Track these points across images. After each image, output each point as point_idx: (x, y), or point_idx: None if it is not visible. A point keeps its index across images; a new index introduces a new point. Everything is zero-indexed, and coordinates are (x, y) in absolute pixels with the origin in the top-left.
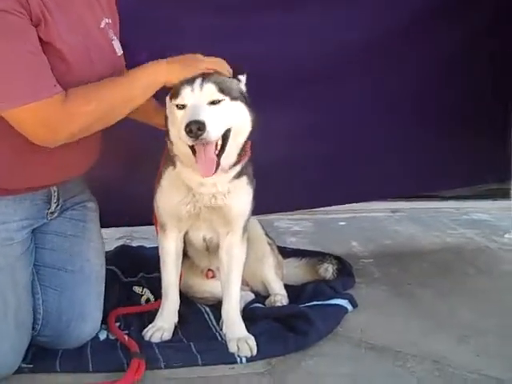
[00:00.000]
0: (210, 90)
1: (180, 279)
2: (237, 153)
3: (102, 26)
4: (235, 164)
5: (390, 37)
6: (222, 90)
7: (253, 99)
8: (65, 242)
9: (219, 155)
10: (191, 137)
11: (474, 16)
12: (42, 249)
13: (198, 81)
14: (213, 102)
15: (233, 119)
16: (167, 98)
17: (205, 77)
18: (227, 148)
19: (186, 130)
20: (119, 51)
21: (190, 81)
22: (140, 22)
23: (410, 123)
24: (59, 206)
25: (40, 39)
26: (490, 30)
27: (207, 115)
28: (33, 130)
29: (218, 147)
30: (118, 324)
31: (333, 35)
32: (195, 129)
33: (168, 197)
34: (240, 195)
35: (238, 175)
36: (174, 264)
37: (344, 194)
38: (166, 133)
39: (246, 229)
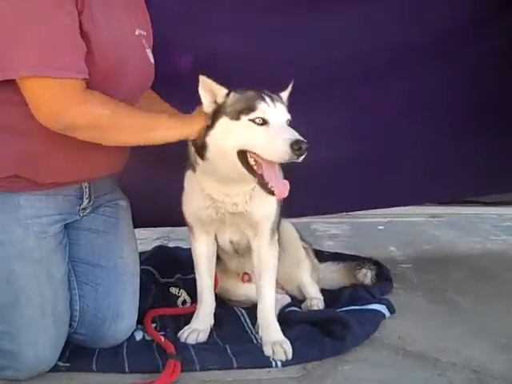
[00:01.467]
0: (283, 110)
1: (216, 282)
2: None
3: (137, 33)
4: None
5: (418, 39)
6: (288, 111)
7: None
8: (98, 238)
9: None
10: (298, 154)
11: (503, 22)
12: (76, 245)
13: (269, 99)
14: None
15: None
16: (217, 112)
17: (269, 95)
18: None
19: (293, 148)
20: (152, 60)
21: (260, 97)
22: (172, 24)
23: (452, 126)
24: (91, 203)
25: (80, 24)
26: None
27: None
28: (41, 103)
29: None
30: (154, 325)
31: (359, 39)
32: (305, 148)
33: (190, 201)
34: (262, 200)
35: None
36: (206, 267)
37: (382, 198)
38: (199, 145)
39: (274, 231)
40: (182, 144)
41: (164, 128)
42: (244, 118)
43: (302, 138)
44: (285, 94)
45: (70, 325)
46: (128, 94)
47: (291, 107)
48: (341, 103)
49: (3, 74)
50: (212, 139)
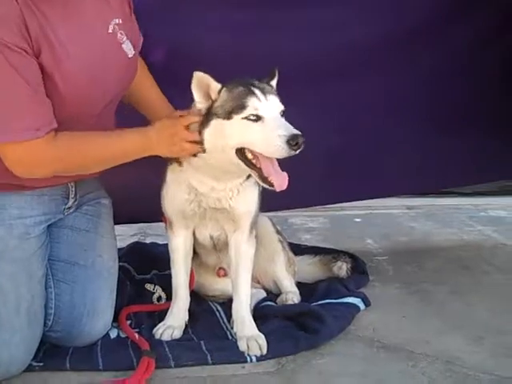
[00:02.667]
0: (276, 101)
1: (192, 278)
2: None
3: (111, 30)
4: None
5: (403, 35)
6: (281, 101)
7: None
8: (78, 236)
9: None
10: (294, 149)
11: (484, 15)
12: (56, 243)
13: (259, 92)
14: (281, 114)
15: None
16: (210, 114)
17: (259, 86)
18: None
19: (289, 143)
20: (131, 52)
21: (250, 91)
22: (159, 16)
23: (425, 119)
24: (76, 202)
25: (42, 67)
26: (500, 28)
27: None
28: (9, 164)
29: None
30: (129, 322)
31: (345, 33)
32: (301, 142)
33: (172, 194)
34: (245, 196)
35: (247, 177)
36: (182, 262)
37: (359, 191)
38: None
39: (253, 226)
40: None
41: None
42: (236, 117)
43: (297, 132)
44: (274, 82)
45: (45, 323)
46: (111, 95)
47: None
48: (315, 98)
49: None
50: (207, 138)
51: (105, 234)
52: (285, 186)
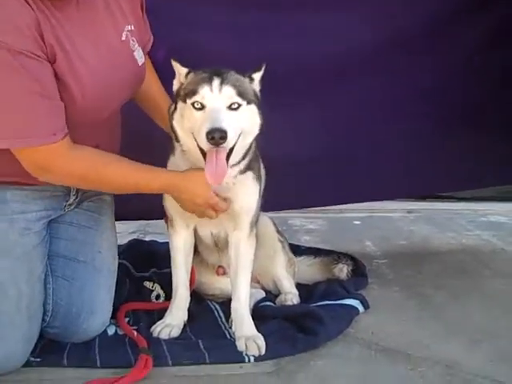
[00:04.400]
0: (229, 93)
1: (193, 278)
2: (242, 153)
3: (124, 38)
4: (239, 161)
5: (403, 39)
6: (240, 94)
7: (265, 97)
8: (78, 232)
9: (227, 159)
10: (212, 144)
11: (486, 19)
12: (55, 238)
13: (217, 81)
14: (231, 107)
15: (246, 123)
16: (176, 96)
17: (223, 76)
18: (234, 150)
19: (207, 137)
20: (140, 60)
21: (207, 79)
22: (161, 17)
23: (425, 123)
24: (77, 198)
25: (56, 75)
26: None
27: (228, 122)
28: (27, 167)
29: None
30: (127, 319)
31: (345, 36)
32: (218, 137)
33: None
34: (244, 190)
35: (243, 171)
36: (183, 260)
37: (358, 193)
38: (172, 128)
39: (253, 225)
40: (165, 135)
41: (144, 187)
42: (188, 102)
43: (216, 127)
44: (257, 75)
45: (43, 319)
46: (120, 101)
47: (271, 101)
48: (314, 101)
49: None
50: (174, 122)
51: (105, 231)
52: (219, 182)
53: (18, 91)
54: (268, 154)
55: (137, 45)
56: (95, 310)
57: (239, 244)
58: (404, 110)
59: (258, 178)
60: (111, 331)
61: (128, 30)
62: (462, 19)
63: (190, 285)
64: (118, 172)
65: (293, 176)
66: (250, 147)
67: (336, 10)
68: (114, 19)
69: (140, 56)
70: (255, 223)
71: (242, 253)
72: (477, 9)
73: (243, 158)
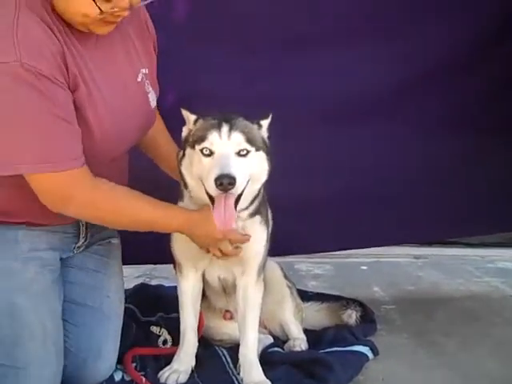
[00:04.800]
0: (238, 139)
1: (201, 322)
2: (251, 198)
3: (139, 79)
4: (247, 207)
5: (416, 79)
6: (248, 140)
7: (275, 138)
8: (87, 276)
9: (235, 205)
10: (220, 190)
11: (496, 65)
12: (64, 283)
13: (226, 127)
14: (240, 153)
15: (255, 169)
16: (184, 142)
17: (231, 122)
18: (242, 196)
19: (216, 183)
20: (153, 103)
21: (216, 126)
22: (169, 62)
23: (432, 168)
24: (87, 241)
25: (75, 105)
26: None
27: (237, 168)
28: (43, 195)
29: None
30: (134, 364)
31: (357, 76)
32: (226, 183)
33: (181, 236)
34: (253, 235)
35: (251, 215)
36: (191, 305)
37: (366, 238)
38: (180, 175)
39: (261, 270)
40: (172, 179)
41: (161, 225)
42: (197, 148)
43: (226, 173)
44: (265, 122)
45: None
46: (132, 141)
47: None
48: (323, 143)
49: (4, 169)
50: (183, 168)
51: (113, 275)
52: (228, 228)
53: (41, 114)
54: (277, 197)
55: (150, 88)
56: (102, 357)
57: (247, 289)
58: (410, 155)
59: (266, 222)
60: (118, 377)
61: (143, 73)
62: (473, 67)
63: (199, 330)
64: (137, 205)
65: (301, 220)
66: (259, 193)
67: (348, 50)
68: (130, 60)
69: (153, 99)
70: (263, 268)
71: (250, 297)
72: (489, 55)
73: (251, 203)
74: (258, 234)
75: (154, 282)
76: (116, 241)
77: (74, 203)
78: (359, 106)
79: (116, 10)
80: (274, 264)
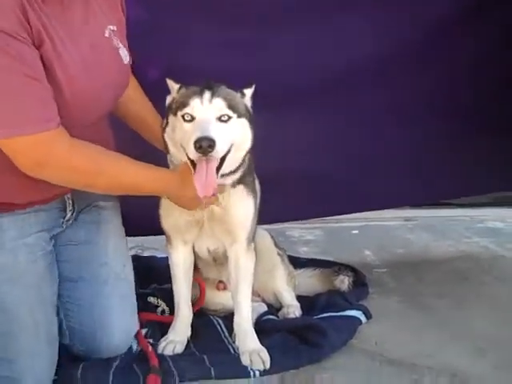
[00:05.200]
0: (220, 105)
1: (203, 294)
2: (235, 166)
3: (107, 34)
4: (230, 173)
5: (407, 46)
6: (230, 107)
7: (264, 111)
8: (78, 250)
9: (217, 171)
10: (200, 153)
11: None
12: (58, 262)
13: (208, 93)
14: (221, 119)
15: (237, 136)
16: (167, 110)
17: (213, 89)
18: (225, 162)
19: (195, 146)
20: (125, 59)
21: (198, 92)
22: (152, 36)
23: (421, 131)
24: (74, 213)
25: (43, 60)
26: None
27: (217, 132)
28: (18, 160)
29: (217, 163)
30: (144, 330)
31: (346, 47)
32: (206, 145)
33: (167, 206)
34: (238, 203)
35: (236, 183)
36: (183, 277)
37: (355, 203)
38: (164, 143)
39: (251, 239)
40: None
41: (141, 188)
42: (179, 115)
43: (206, 135)
44: (248, 91)
45: (66, 343)
46: (108, 100)
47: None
48: (313, 114)
49: None
50: (165, 135)
51: (108, 238)
52: (208, 194)
53: (9, 74)
54: (267, 164)
55: (121, 44)
56: (111, 325)
57: (238, 258)
58: (404, 119)
59: (252, 191)
60: (135, 347)
61: (111, 30)
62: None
63: (201, 300)
64: (119, 166)
65: (292, 187)
66: (243, 161)
67: (337, 22)
68: (94, 16)
69: (125, 55)
70: (253, 238)
71: (242, 267)
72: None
73: (235, 171)
74: (244, 202)
75: (146, 254)
76: (105, 203)
77: (50, 165)
78: (348, 76)
79: None
80: (263, 232)
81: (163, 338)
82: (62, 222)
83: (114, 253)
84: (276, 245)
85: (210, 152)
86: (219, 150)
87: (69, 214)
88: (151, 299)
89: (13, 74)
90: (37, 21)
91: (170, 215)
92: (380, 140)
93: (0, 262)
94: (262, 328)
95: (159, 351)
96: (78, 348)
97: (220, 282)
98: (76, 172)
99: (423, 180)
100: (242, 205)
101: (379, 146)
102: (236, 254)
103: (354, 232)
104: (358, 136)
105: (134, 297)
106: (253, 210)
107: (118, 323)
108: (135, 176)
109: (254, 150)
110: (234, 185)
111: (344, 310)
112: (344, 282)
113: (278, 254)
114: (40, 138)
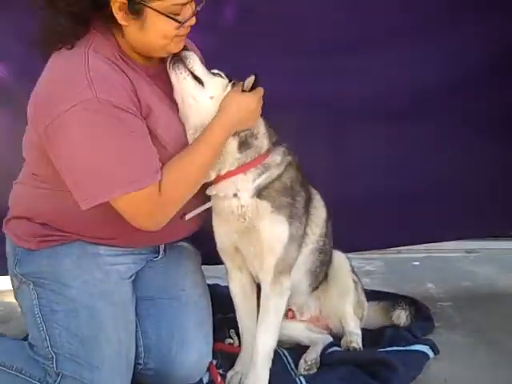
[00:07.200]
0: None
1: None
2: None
3: None
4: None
5: (466, 77)
6: None
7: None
8: (158, 274)
9: None
10: None
11: None
12: (137, 282)
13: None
14: None
15: None
16: None
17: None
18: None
19: None
20: None
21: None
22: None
23: (484, 162)
24: (166, 254)
25: (148, 129)
26: None
27: None
28: (132, 218)
29: None
30: (215, 361)
31: (408, 76)
32: None
33: (215, 229)
34: (265, 220)
35: (258, 194)
36: (242, 306)
37: (420, 234)
38: None
39: (283, 272)
40: None
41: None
42: None
43: None
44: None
45: (138, 363)
46: None
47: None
48: (374, 141)
49: (98, 198)
50: None
51: (188, 272)
52: None
53: (122, 136)
54: (332, 193)
55: None
56: (187, 343)
57: (265, 288)
58: (471, 149)
59: (288, 214)
60: (206, 379)
61: None
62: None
63: None
64: (185, 161)
65: (353, 218)
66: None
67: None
68: None
69: None
70: (287, 271)
71: (263, 301)
72: None
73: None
74: (272, 222)
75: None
76: (185, 244)
77: (162, 212)
78: (412, 104)
79: (187, 18)
80: (342, 256)
81: (231, 369)
82: (152, 261)
83: (191, 283)
84: (353, 271)
85: None
86: None
87: (160, 256)
88: (231, 332)
89: (125, 136)
90: (144, 98)
91: (217, 238)
92: (441, 170)
93: (96, 277)
94: (328, 360)
95: (226, 383)
96: (148, 371)
97: (289, 309)
98: (174, 198)
99: (485, 212)
100: (269, 223)
101: (440, 176)
102: (262, 280)
103: (415, 263)
104: (418, 167)
105: (211, 326)
106: (286, 235)
107: (194, 343)
108: (199, 153)
109: (316, 177)
110: (258, 194)
111: (410, 344)
112: (400, 316)
113: (353, 281)
114: (148, 190)
